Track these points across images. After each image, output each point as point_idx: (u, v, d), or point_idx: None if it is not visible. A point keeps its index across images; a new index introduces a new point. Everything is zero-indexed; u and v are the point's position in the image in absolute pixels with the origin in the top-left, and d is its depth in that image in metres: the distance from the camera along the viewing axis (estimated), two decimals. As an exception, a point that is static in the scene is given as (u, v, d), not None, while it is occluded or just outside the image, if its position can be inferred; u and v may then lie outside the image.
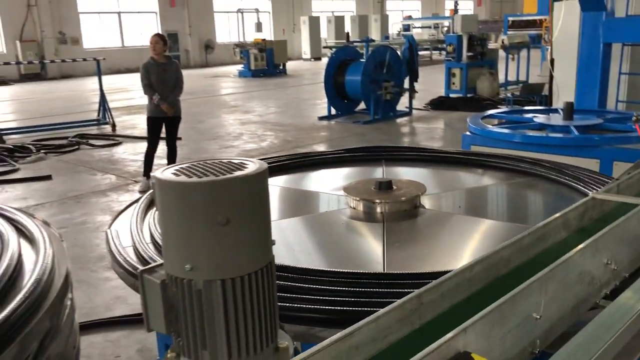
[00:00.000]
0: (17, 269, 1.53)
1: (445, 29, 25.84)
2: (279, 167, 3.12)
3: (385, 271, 1.79)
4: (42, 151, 8.50)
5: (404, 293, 1.16)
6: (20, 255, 1.64)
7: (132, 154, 8.34)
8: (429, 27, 29.53)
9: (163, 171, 0.89)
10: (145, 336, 3.33)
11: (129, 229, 2.05)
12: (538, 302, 1.19)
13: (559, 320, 1.29)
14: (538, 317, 1.19)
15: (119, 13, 25.85)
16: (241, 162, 0.90)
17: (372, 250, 2.10)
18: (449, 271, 1.24)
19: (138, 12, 26.23)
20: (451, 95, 12.76)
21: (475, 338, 1.02)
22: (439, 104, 12.15)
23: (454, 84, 12.98)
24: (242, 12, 28.03)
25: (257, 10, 28.34)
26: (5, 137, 9.53)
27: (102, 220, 5.46)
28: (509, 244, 1.39)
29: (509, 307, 1.09)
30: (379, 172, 3.12)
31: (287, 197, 2.86)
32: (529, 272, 1.24)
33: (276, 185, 2.91)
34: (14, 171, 7.49)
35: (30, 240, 1.80)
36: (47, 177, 7.10)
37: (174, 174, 0.86)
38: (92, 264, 4.39)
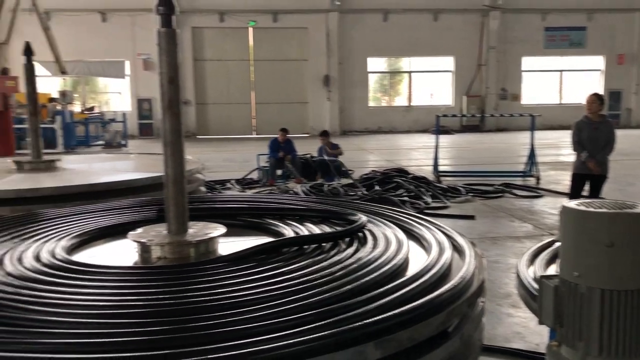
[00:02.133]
0: (448, 268, 2.02)
1: None
2: None
3: None
4: (470, 194, 9.50)
5: None
6: (451, 260, 2.13)
7: (551, 207, 8.51)
8: None
9: (569, 203, 1.20)
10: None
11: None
12: None
13: None
14: None
15: (561, 71, 26.18)
16: (633, 204, 1.14)
17: None
18: None
19: (581, 71, 26.02)
20: None
21: None
22: None
23: None
24: None
25: None
26: (442, 178, 11.03)
27: (513, 263, 5.85)
28: None
29: None
30: None
31: None
32: None
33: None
34: (445, 207, 8.65)
35: (460, 251, 2.29)
36: (471, 217, 7.94)
37: (577, 204, 1.17)
38: (499, 299, 4.81)
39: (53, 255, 1.84)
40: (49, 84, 22.33)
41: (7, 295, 1.48)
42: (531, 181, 10.82)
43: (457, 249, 2.28)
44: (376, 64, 26.65)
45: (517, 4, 25.20)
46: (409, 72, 26.98)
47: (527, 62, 26.06)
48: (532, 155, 11.30)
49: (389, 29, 25.14)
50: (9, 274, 1.68)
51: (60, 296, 1.49)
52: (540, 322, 1.27)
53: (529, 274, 2.08)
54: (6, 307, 1.40)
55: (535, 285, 2.13)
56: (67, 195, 3.20)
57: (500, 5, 25.12)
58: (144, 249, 1.88)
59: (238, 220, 2.41)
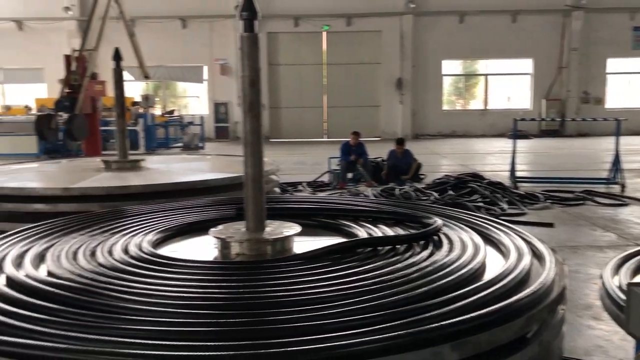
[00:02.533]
0: (528, 274, 1.97)
1: None
2: None
3: None
4: (548, 201, 9.14)
5: None
6: (530, 266, 2.08)
7: (637, 216, 8.06)
8: None
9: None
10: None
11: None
12: None
13: None
14: None
15: (652, 72, 24.77)
16: None
17: None
18: None
19: (673, 72, 24.52)
20: None
21: None
22: None
23: None
24: None
25: None
26: (519, 184, 10.68)
27: (595, 273, 5.58)
28: None
29: None
30: None
31: None
32: None
33: None
34: (522, 214, 8.37)
35: (539, 257, 2.23)
36: (550, 225, 7.65)
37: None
38: (579, 310, 4.61)
39: (140, 249, 1.94)
40: (132, 88, 23.47)
41: (100, 284, 1.58)
42: (615, 189, 10.28)
43: (536, 255, 2.22)
44: (451, 66, 26.18)
45: (602, 3, 24.04)
46: (485, 75, 26.32)
47: (612, 64, 24.79)
48: (616, 161, 10.74)
49: (465, 31, 24.63)
50: (101, 265, 1.79)
51: (147, 287, 1.58)
52: (628, 332, 1.22)
53: (615, 282, 1.99)
54: (99, 295, 1.49)
55: (622, 295, 2.03)
56: (152, 193, 3.36)
57: (583, 4, 24.05)
58: (224, 245, 1.95)
59: (312, 220, 2.45)
